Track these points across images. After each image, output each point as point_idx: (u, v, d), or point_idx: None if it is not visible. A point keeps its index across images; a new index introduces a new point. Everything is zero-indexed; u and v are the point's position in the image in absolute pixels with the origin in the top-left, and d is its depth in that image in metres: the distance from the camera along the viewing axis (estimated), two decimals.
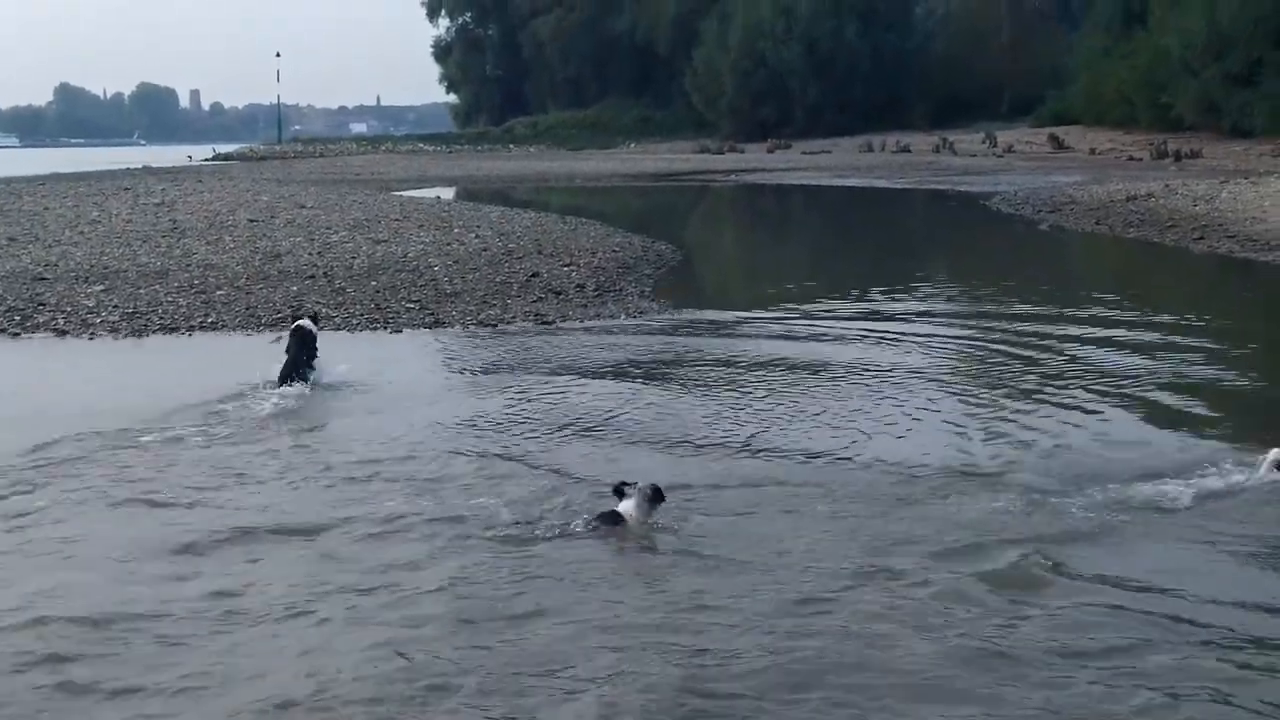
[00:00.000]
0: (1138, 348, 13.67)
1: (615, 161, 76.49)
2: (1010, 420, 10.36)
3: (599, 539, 7.54)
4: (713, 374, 12.40)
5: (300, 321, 12.42)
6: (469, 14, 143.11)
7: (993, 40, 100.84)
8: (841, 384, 11.87)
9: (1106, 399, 11.17)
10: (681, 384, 11.99)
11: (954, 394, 11.50)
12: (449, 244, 23.24)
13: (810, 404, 11.05)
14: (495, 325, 15.39)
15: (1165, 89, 66.85)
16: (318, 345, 12.18)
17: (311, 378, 11.80)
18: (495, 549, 7.36)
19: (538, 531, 7.61)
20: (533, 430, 10.24)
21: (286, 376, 11.60)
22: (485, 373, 12.75)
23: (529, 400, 11.32)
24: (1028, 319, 15.85)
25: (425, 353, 14.19)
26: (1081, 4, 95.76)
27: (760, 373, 12.44)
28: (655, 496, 7.69)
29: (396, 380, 12.26)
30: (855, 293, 18.55)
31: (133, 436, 9.86)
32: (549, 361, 13.15)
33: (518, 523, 7.75)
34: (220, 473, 8.99)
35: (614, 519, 7.61)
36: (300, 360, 11.81)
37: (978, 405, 11.01)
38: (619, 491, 7.73)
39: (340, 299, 16.97)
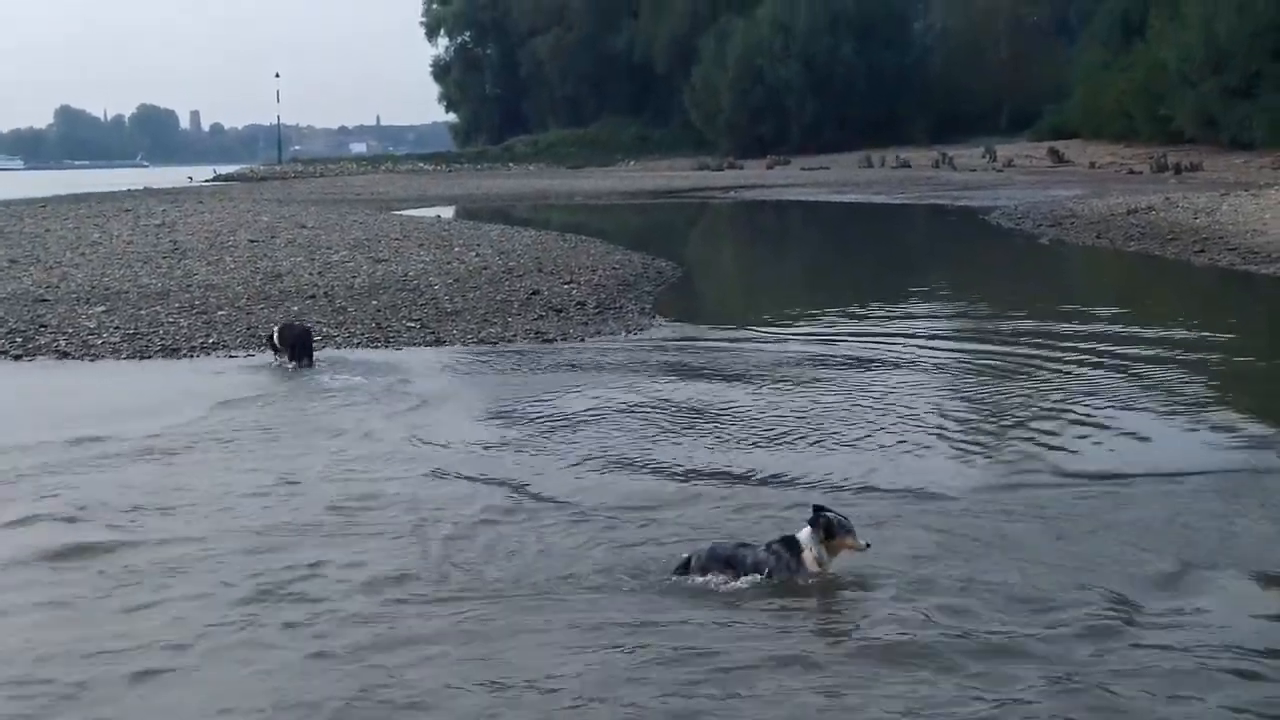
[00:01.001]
0: (1139, 361, 13.65)
1: (614, 179, 76.57)
2: (1019, 440, 10.29)
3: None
4: (709, 394, 12.33)
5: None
6: (468, 33, 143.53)
7: (991, 55, 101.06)
8: (843, 403, 11.79)
9: (1109, 414, 11.14)
10: (678, 407, 11.92)
11: (954, 412, 11.45)
12: (449, 262, 23.25)
13: (812, 423, 10.99)
14: (496, 343, 15.37)
15: (1164, 102, 66.94)
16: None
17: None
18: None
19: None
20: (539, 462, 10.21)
21: (298, 356, 13.82)
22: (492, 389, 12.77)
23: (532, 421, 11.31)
24: (1030, 335, 15.79)
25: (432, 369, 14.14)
26: (1080, 18, 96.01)
27: (758, 391, 12.42)
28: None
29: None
30: (856, 309, 18.54)
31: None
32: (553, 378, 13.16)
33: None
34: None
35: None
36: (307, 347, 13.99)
37: (980, 425, 10.96)
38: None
39: (341, 318, 16.98)
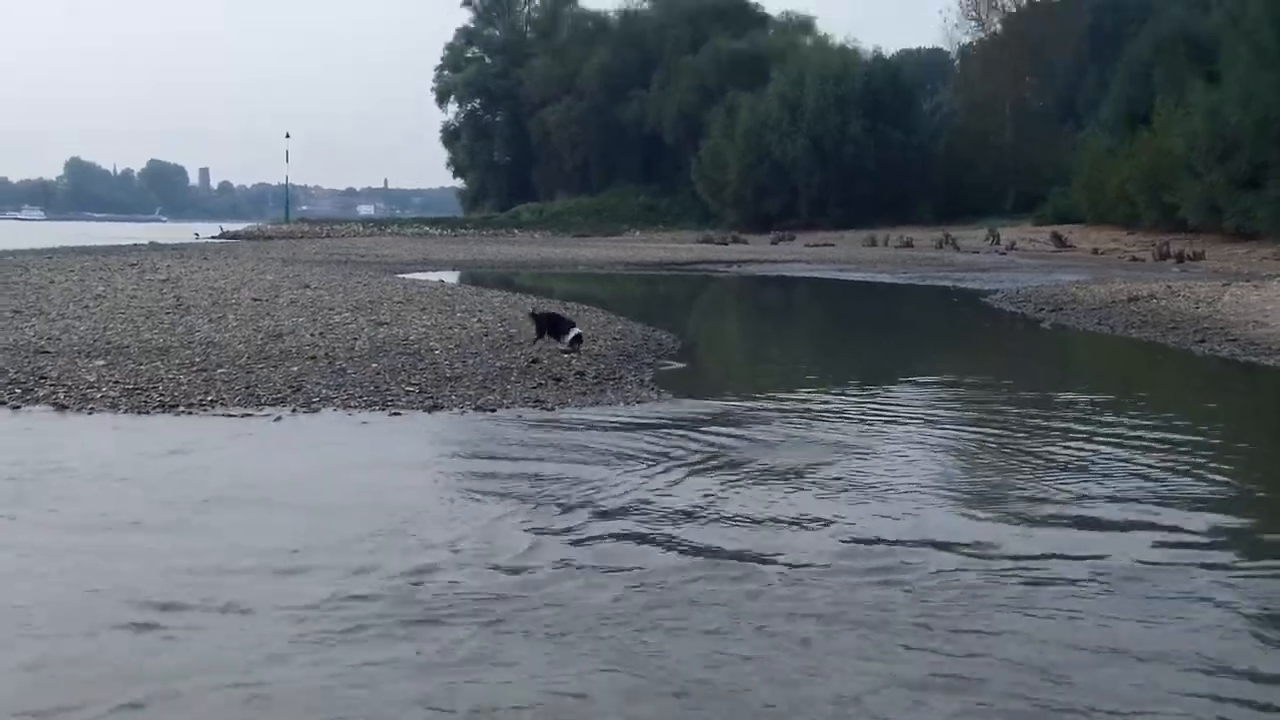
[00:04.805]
0: (1137, 448, 13.62)
1: (619, 249, 76.89)
2: (1014, 532, 10.27)
3: None
4: (700, 471, 12.32)
5: None
6: (478, 101, 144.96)
7: (997, 138, 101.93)
8: (838, 485, 11.77)
9: (1097, 503, 11.11)
10: (665, 480, 11.92)
11: (948, 495, 11.44)
12: (451, 327, 23.27)
13: (805, 504, 10.98)
14: (494, 410, 15.36)
15: (1169, 190, 67.32)
16: None
17: None
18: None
19: None
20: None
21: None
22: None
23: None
24: (1027, 419, 15.81)
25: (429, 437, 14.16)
26: (1086, 103, 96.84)
27: (748, 469, 12.40)
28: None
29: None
30: (856, 387, 18.54)
31: None
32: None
33: None
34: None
35: None
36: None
37: (973, 512, 10.92)
38: None
39: (340, 380, 16.97)
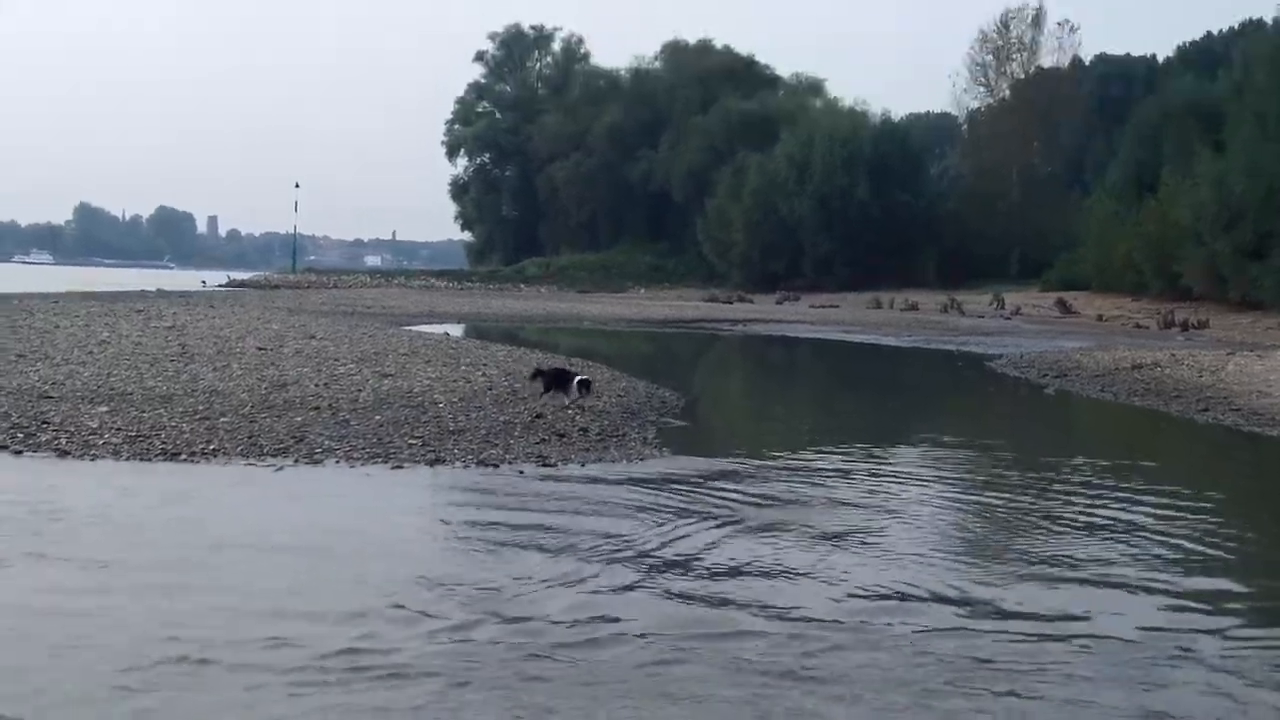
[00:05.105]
0: (1137, 516, 13.60)
1: (624, 306, 77.01)
2: (1008, 599, 10.24)
3: None
4: (701, 528, 12.30)
5: None
6: (487, 155, 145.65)
7: (1003, 203, 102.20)
8: (838, 543, 11.78)
9: (1090, 571, 11.09)
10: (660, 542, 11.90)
11: (946, 559, 11.41)
12: (455, 381, 23.29)
13: (802, 560, 10.97)
14: (497, 465, 15.35)
15: (1174, 258, 67.43)
16: None
17: None
18: None
19: None
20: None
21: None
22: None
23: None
24: (1029, 483, 15.83)
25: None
26: (1093, 170, 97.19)
27: (748, 526, 12.40)
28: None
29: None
30: (859, 448, 18.52)
31: None
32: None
33: None
34: None
35: None
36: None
37: (971, 575, 10.89)
38: None
39: (344, 431, 16.97)
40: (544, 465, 15.53)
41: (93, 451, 15.00)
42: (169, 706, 7.10)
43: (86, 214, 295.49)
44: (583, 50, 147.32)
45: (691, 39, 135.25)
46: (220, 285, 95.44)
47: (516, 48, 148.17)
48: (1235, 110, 66.98)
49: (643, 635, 8.58)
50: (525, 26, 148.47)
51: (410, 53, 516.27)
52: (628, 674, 7.84)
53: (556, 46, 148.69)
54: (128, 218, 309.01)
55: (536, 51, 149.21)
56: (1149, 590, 10.36)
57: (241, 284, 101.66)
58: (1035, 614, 9.46)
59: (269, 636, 8.29)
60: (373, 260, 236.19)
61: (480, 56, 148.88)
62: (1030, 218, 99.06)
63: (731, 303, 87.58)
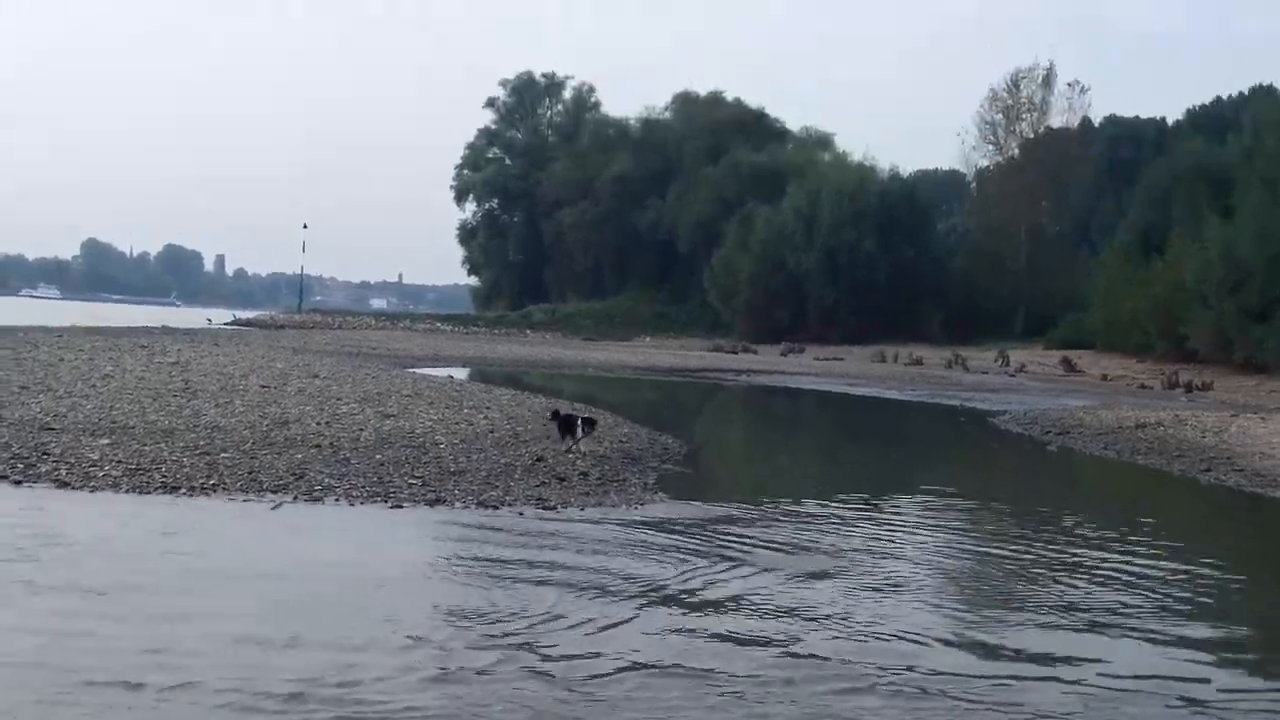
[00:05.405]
0: (1139, 568, 13.56)
1: (628, 353, 77.06)
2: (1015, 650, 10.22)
3: None
4: (696, 576, 12.25)
5: None
6: (495, 201, 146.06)
7: (1011, 261, 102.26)
8: (835, 588, 11.76)
9: (1096, 627, 11.05)
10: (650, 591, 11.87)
11: (949, 612, 11.36)
12: (457, 423, 23.28)
13: (799, 603, 10.95)
14: (496, 507, 15.31)
15: (1180, 320, 67.45)
16: None
17: None
18: None
19: None
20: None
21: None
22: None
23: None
24: (1029, 536, 15.77)
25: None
26: (1101, 230, 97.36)
27: (747, 570, 12.38)
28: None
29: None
30: (860, 497, 18.48)
31: None
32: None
33: None
34: None
35: None
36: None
37: (973, 624, 10.85)
38: None
39: (344, 470, 16.94)
40: (544, 508, 15.49)
41: (92, 483, 14.98)
42: None
43: (94, 249, 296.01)
44: (593, 99, 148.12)
45: (702, 90, 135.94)
46: (225, 323, 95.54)
47: (528, 95, 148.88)
48: (1244, 174, 67.21)
49: (634, 667, 8.64)
50: (537, 74, 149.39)
51: (421, 97, 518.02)
52: (619, 703, 7.90)
53: (567, 94, 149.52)
54: (135, 254, 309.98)
55: (548, 99, 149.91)
56: (1151, 638, 10.37)
57: (247, 323, 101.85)
58: (1035, 656, 9.53)
59: (261, 664, 8.30)
60: (378, 302, 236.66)
61: (491, 103, 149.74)
62: (1037, 276, 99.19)
63: (736, 353, 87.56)
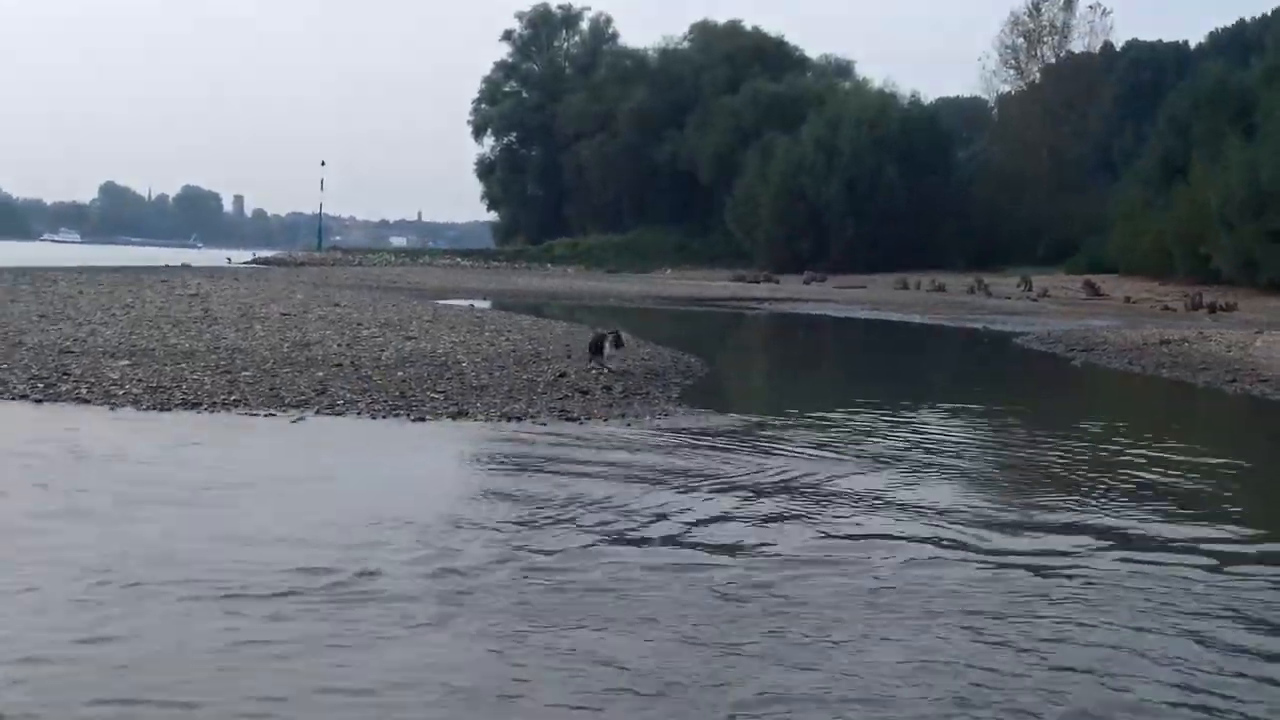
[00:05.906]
0: (1165, 469, 13.46)
1: (650, 285, 76.88)
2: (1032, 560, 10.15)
3: None
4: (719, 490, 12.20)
5: None
6: (513, 135, 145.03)
7: (1032, 187, 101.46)
8: (852, 507, 11.66)
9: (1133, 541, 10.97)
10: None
11: (970, 523, 11.20)
12: (479, 344, 23.21)
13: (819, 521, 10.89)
14: (520, 419, 15.24)
15: (1203, 242, 66.91)
16: None
17: None
18: None
19: None
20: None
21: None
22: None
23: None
24: (1052, 442, 15.63)
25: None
26: (1122, 154, 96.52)
27: (767, 481, 12.31)
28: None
29: None
30: (882, 413, 18.40)
31: None
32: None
33: None
34: None
35: None
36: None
37: (1000, 535, 10.72)
38: None
39: (366, 385, 16.90)
40: (567, 419, 15.43)
41: (113, 400, 14.98)
42: (147, 624, 7.00)
43: (112, 193, 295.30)
44: (610, 30, 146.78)
45: (721, 20, 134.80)
46: (245, 263, 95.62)
47: (544, 27, 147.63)
48: (1267, 96, 66.41)
49: (648, 567, 8.61)
50: (553, 6, 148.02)
51: (437, 33, 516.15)
52: (627, 586, 7.99)
53: (584, 26, 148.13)
54: (154, 197, 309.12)
55: (564, 31, 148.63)
56: (1196, 516, 10.27)
57: (267, 261, 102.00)
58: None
59: (264, 562, 8.26)
60: (398, 240, 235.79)
61: (508, 35, 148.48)
62: (1059, 201, 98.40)
63: (758, 283, 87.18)
